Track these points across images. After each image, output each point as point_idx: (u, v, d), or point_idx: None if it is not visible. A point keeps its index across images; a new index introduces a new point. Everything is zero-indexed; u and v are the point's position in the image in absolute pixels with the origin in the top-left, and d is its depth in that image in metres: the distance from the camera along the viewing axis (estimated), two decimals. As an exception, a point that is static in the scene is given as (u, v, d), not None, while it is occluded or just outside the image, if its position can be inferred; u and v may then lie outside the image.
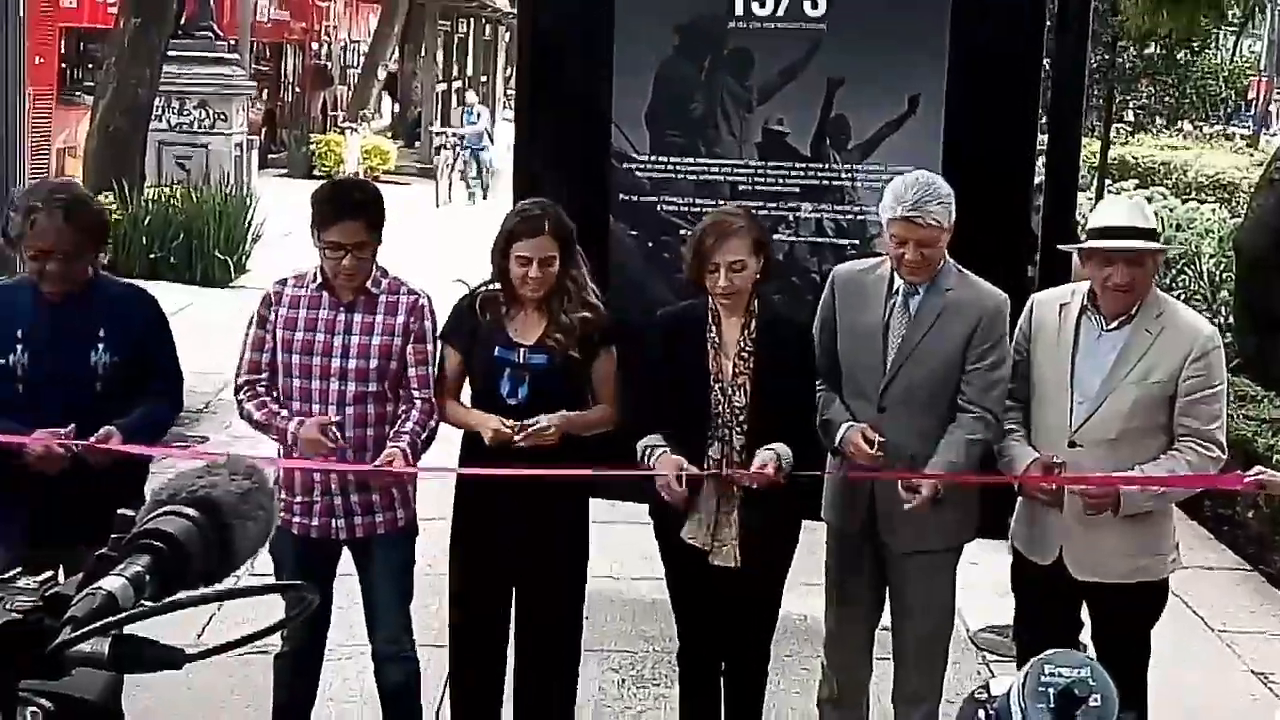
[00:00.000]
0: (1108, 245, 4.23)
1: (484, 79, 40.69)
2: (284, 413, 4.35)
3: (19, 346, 4.18)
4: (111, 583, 1.45)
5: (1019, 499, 4.58)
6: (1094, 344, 4.31)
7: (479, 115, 27.03)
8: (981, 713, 1.70)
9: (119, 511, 1.54)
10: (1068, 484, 4.22)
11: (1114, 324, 4.29)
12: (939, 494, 4.26)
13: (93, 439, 4.08)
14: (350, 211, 4.32)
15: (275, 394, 4.41)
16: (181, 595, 1.49)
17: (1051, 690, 1.67)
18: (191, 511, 1.53)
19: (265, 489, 1.62)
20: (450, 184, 24.71)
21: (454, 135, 26.14)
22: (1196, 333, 4.29)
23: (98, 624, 1.39)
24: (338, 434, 4.29)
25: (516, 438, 4.28)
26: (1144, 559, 4.33)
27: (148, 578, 1.46)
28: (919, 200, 4.20)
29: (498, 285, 4.46)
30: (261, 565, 4.38)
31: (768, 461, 4.18)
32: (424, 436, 4.41)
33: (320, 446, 4.27)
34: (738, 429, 4.32)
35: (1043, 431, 4.36)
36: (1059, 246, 5.50)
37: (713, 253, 4.27)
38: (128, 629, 1.42)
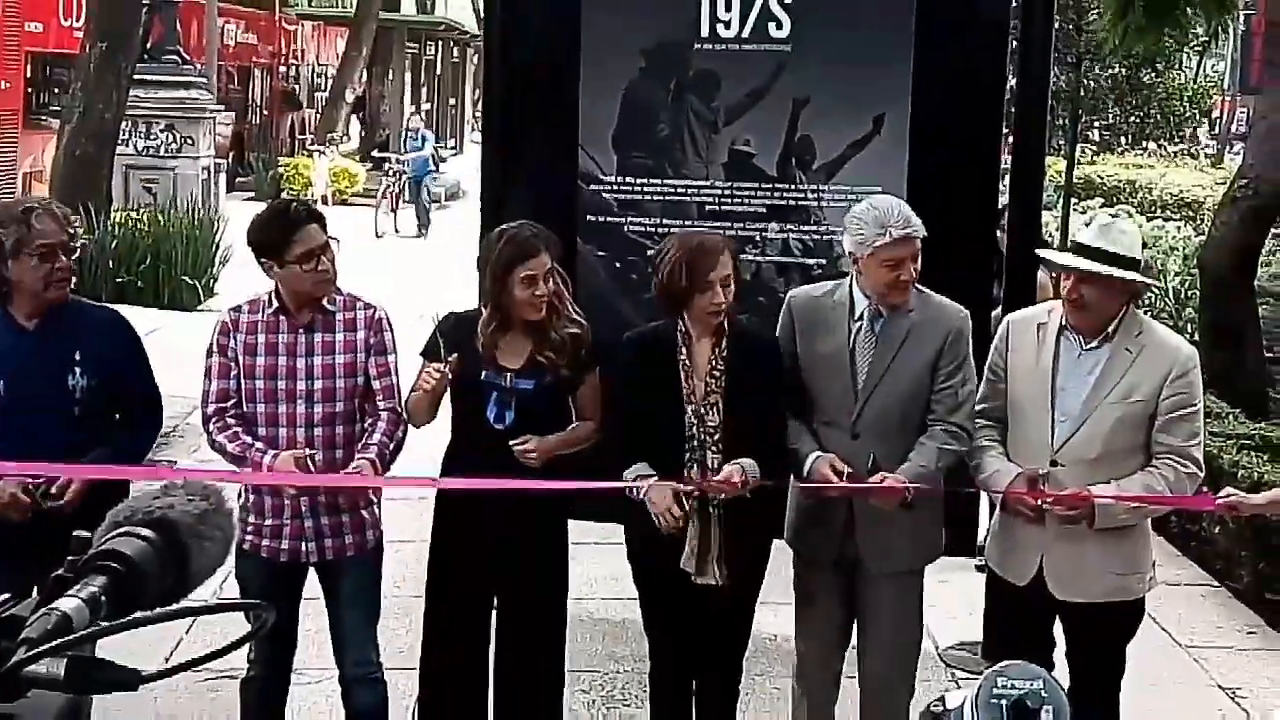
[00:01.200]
0: (1058, 261, 4.28)
1: (452, 102, 40.72)
2: (258, 445, 4.31)
3: None
4: (67, 603, 1.44)
5: (994, 518, 4.60)
6: (1074, 363, 4.32)
7: (423, 140, 25.00)
8: (936, 723, 1.71)
9: (75, 533, 1.53)
10: (1050, 500, 4.22)
11: (1094, 343, 4.30)
12: (909, 498, 4.27)
13: (54, 488, 4.04)
14: (305, 219, 4.33)
15: (243, 421, 4.37)
16: (136, 615, 1.48)
17: (1004, 702, 1.68)
18: (148, 532, 1.52)
19: (223, 510, 1.62)
20: (395, 213, 23.22)
21: (398, 161, 24.34)
22: (1177, 352, 4.32)
23: (51, 644, 1.38)
24: (310, 466, 4.25)
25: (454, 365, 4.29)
26: (1123, 578, 4.35)
27: (103, 599, 1.45)
28: (906, 218, 4.24)
29: (480, 310, 4.46)
30: (229, 590, 4.38)
31: (733, 474, 4.19)
32: (391, 447, 4.39)
33: (296, 479, 4.24)
34: (713, 448, 4.31)
35: (1024, 450, 4.37)
36: (1038, 251, 5.54)
37: (708, 270, 4.26)
38: (83, 650, 1.41)
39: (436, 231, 22.54)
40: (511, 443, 4.32)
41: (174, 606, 1.51)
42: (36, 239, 4.10)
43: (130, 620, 1.46)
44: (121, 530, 1.52)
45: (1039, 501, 4.24)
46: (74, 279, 4.31)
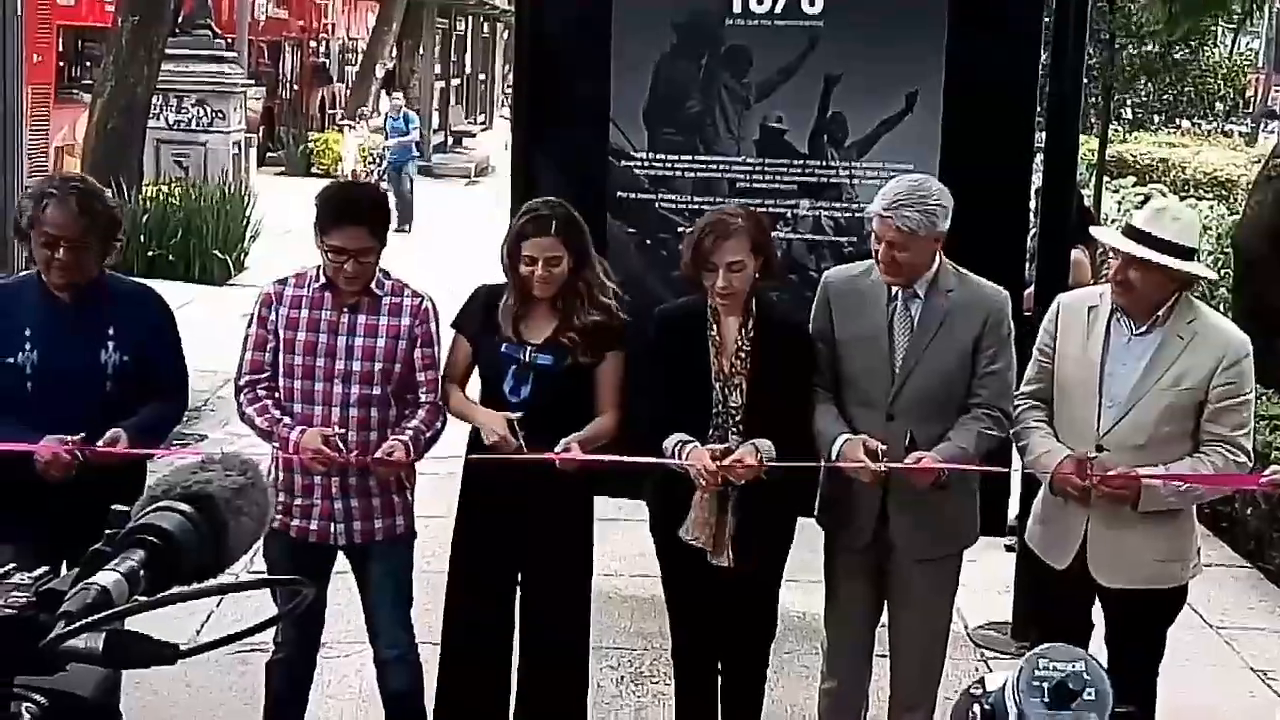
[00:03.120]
0: (1109, 241, 4.24)
1: (482, 77, 40.70)
2: (286, 420, 4.30)
3: (27, 344, 4.14)
4: (105, 578, 1.44)
5: (1037, 500, 4.56)
6: (1124, 348, 4.27)
7: (406, 121, 21.74)
8: (976, 708, 1.69)
9: (113, 507, 1.54)
10: (1100, 480, 4.16)
11: (1144, 327, 4.25)
12: (944, 477, 4.25)
13: (100, 442, 4.04)
14: (354, 217, 4.28)
15: (276, 396, 4.37)
16: (175, 590, 1.48)
17: (1046, 684, 1.67)
18: (186, 507, 1.53)
19: (260, 485, 1.62)
20: None
21: (384, 149, 21.73)
22: (1230, 340, 4.27)
23: (90, 619, 1.39)
24: (340, 444, 4.25)
25: (515, 441, 4.27)
26: (1166, 564, 4.32)
27: (141, 573, 1.46)
28: (896, 202, 4.16)
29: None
30: (258, 566, 4.40)
31: (746, 455, 4.18)
32: (428, 435, 4.38)
33: (324, 455, 4.22)
34: (734, 428, 4.31)
35: (1069, 433, 4.33)
36: (1092, 229, 5.47)
37: (711, 253, 4.25)
38: (123, 624, 1.42)
39: (465, 206, 21.72)
40: (556, 452, 4.28)
41: (213, 582, 1.51)
42: (44, 225, 4.10)
43: (168, 596, 1.46)
44: (160, 505, 1.53)
45: (1086, 482, 4.19)
46: (116, 255, 4.31)
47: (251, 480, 1.60)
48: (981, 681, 1.74)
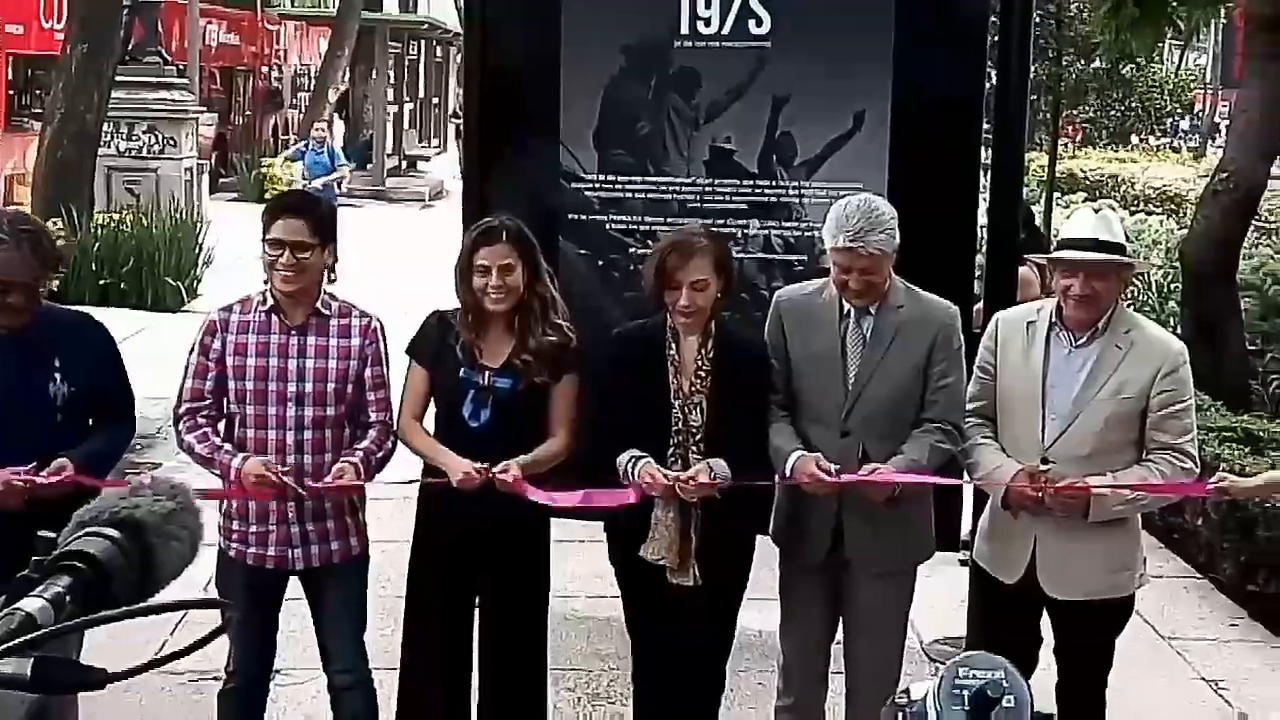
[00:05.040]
0: (1069, 256, 4.28)
1: (435, 101, 40.65)
2: (226, 447, 4.29)
3: None
4: (30, 604, 1.44)
5: (984, 515, 4.60)
6: (1064, 360, 4.33)
7: (331, 156, 18.66)
8: (900, 716, 1.72)
9: (39, 534, 1.53)
10: (1053, 491, 4.19)
11: (1083, 339, 4.31)
12: (899, 491, 4.27)
13: (47, 471, 4.03)
14: (292, 211, 4.32)
15: (216, 426, 4.35)
16: (95, 615, 1.48)
17: (966, 692, 1.70)
18: (113, 532, 1.52)
19: (190, 509, 1.62)
20: None
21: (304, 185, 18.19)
22: (1167, 348, 4.35)
23: (10, 643, 1.38)
24: (280, 472, 4.21)
25: (479, 478, 4.27)
26: (1115, 574, 4.37)
27: (68, 598, 1.45)
28: (861, 230, 4.20)
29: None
30: (214, 595, 4.37)
31: (700, 473, 4.20)
32: (379, 456, 4.37)
33: (266, 483, 4.21)
34: (695, 447, 4.32)
35: (1014, 448, 4.37)
36: (1027, 256, 5.53)
37: (675, 271, 4.27)
38: (49, 650, 1.41)
39: (421, 228, 21.22)
40: (494, 471, 4.28)
41: (137, 605, 1.50)
42: None
43: (91, 619, 1.46)
44: (87, 530, 1.52)
45: (1039, 493, 4.22)
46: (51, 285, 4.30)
47: (182, 504, 1.60)
48: (907, 691, 1.77)
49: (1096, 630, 4.44)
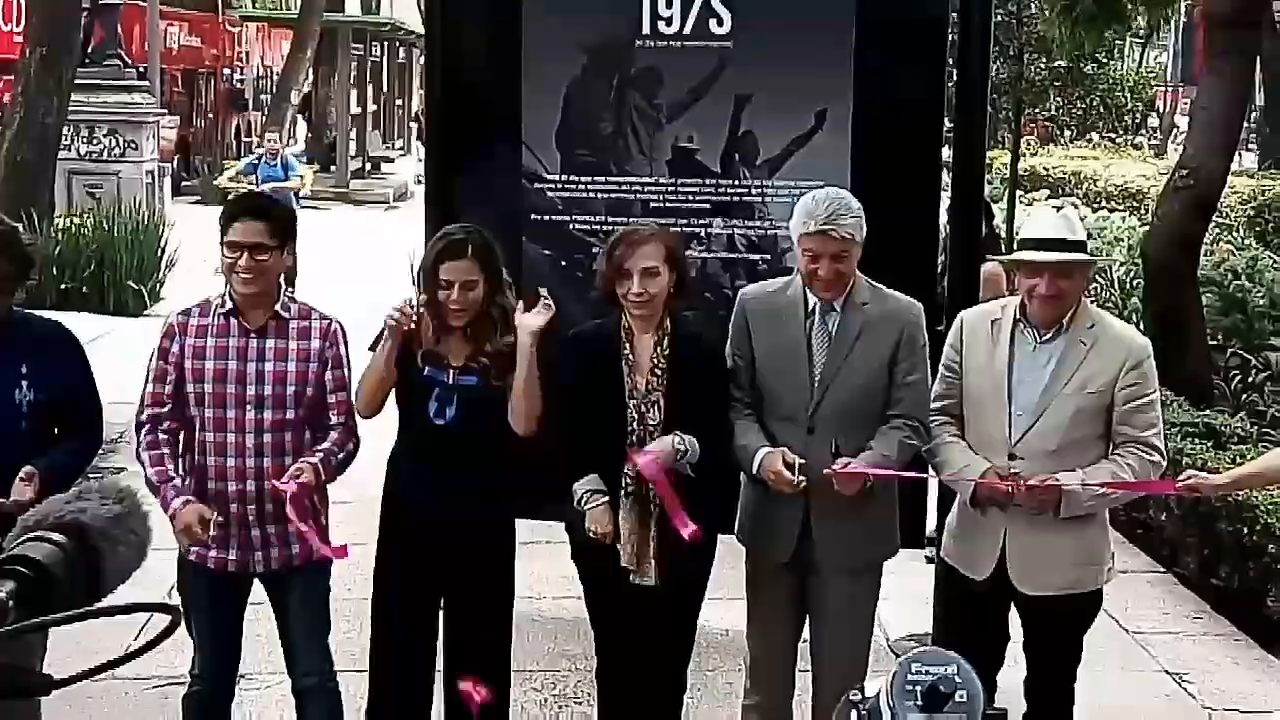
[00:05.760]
0: (1033, 257, 4.30)
1: (399, 102, 40.55)
2: (175, 481, 4.23)
3: None
4: None
5: (952, 513, 4.61)
6: (1029, 356, 4.36)
7: (285, 168, 16.67)
8: (854, 713, 1.73)
9: None
10: (1023, 488, 4.21)
11: (1048, 335, 4.34)
12: (870, 483, 4.28)
13: (16, 481, 3.96)
14: (251, 213, 4.30)
15: (177, 439, 4.31)
16: (43, 618, 1.46)
17: (919, 688, 1.72)
18: (58, 536, 1.51)
19: (138, 513, 1.60)
20: None
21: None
22: (1131, 343, 4.40)
23: None
24: (215, 525, 4.15)
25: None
26: (1083, 569, 4.39)
27: (11, 603, 1.44)
28: (831, 214, 4.23)
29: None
30: (176, 600, 4.34)
31: (667, 444, 4.24)
32: (340, 457, 4.35)
33: (192, 535, 4.15)
34: (654, 446, 4.32)
35: (982, 445, 4.39)
36: (989, 258, 5.55)
37: (625, 259, 4.29)
38: None
39: (386, 230, 20.92)
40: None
41: (81, 610, 1.49)
42: None
43: (36, 623, 1.44)
44: (31, 535, 1.51)
45: (1010, 489, 4.24)
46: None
47: (129, 509, 1.59)
48: (861, 688, 1.77)
49: (1066, 625, 4.46)
